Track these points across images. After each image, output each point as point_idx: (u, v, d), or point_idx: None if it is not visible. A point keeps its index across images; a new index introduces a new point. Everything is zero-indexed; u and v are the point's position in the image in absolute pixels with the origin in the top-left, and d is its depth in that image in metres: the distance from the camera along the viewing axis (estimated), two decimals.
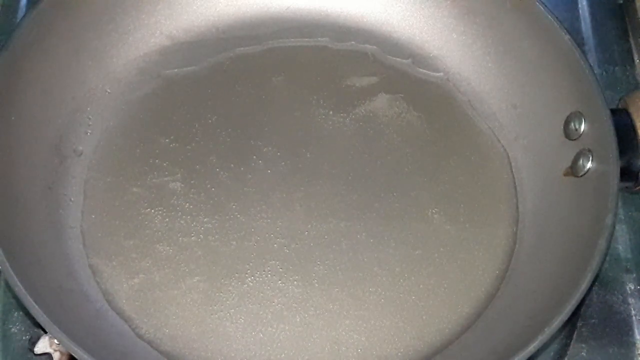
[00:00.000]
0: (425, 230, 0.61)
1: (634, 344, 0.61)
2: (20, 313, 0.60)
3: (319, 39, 0.70)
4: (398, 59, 0.69)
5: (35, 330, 0.59)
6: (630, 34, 0.76)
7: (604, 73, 0.74)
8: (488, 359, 0.54)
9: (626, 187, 0.59)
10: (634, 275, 0.64)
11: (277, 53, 0.69)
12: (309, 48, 0.70)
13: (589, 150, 0.58)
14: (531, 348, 0.50)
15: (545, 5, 0.62)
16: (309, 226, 0.61)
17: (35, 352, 0.58)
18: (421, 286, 0.59)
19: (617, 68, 0.74)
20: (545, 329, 0.51)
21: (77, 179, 0.62)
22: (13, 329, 0.60)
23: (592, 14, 0.77)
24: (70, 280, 0.57)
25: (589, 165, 0.58)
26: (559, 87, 0.62)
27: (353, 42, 0.70)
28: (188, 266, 0.59)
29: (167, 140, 0.64)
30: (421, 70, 0.69)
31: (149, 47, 0.68)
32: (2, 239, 0.52)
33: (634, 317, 0.62)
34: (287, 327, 0.57)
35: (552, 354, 0.61)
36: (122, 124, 0.65)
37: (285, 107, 0.67)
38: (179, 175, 0.63)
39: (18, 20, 0.73)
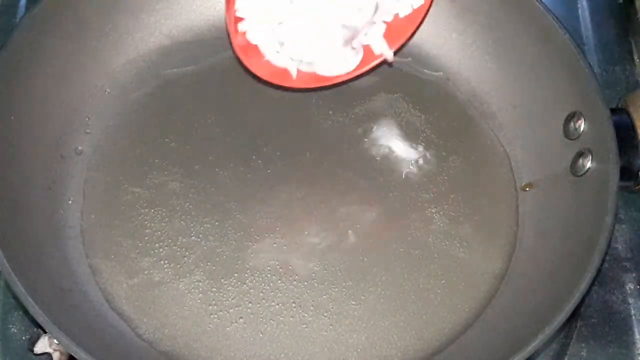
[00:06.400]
0: (425, 230, 0.61)
1: (634, 343, 0.61)
2: (20, 313, 0.60)
3: None
4: (398, 59, 0.69)
5: (35, 330, 0.59)
6: (630, 34, 0.76)
7: (604, 73, 0.74)
8: (488, 359, 0.54)
9: (626, 187, 0.59)
10: (634, 275, 0.64)
11: None
12: None
13: (589, 150, 0.58)
14: (531, 348, 0.50)
15: (545, 5, 0.62)
16: (309, 226, 0.61)
17: (35, 352, 0.58)
18: (421, 286, 0.59)
19: (617, 68, 0.74)
20: (545, 329, 0.51)
21: (76, 179, 0.62)
22: (13, 329, 0.60)
23: (592, 14, 0.77)
24: (70, 280, 0.57)
25: (588, 164, 0.58)
26: (558, 87, 0.62)
27: None
28: (188, 266, 0.59)
29: (166, 140, 0.64)
30: (421, 69, 0.69)
31: (148, 47, 0.68)
32: (2, 239, 0.52)
33: (633, 317, 0.62)
34: (286, 327, 0.57)
35: (552, 354, 0.61)
36: (122, 123, 0.65)
37: (285, 107, 0.66)
38: (178, 175, 0.63)
39: (18, 20, 0.73)
